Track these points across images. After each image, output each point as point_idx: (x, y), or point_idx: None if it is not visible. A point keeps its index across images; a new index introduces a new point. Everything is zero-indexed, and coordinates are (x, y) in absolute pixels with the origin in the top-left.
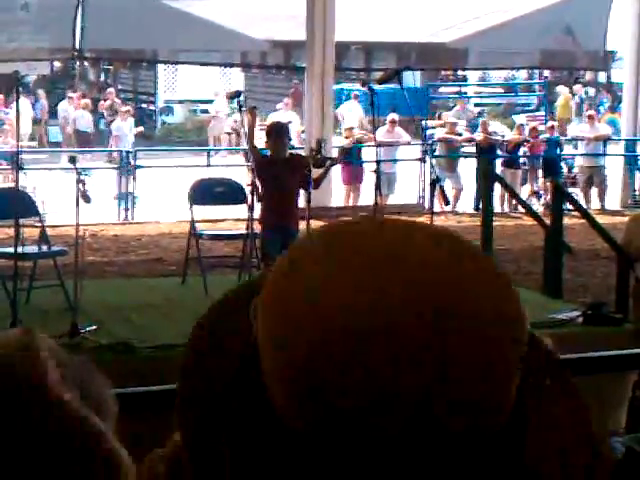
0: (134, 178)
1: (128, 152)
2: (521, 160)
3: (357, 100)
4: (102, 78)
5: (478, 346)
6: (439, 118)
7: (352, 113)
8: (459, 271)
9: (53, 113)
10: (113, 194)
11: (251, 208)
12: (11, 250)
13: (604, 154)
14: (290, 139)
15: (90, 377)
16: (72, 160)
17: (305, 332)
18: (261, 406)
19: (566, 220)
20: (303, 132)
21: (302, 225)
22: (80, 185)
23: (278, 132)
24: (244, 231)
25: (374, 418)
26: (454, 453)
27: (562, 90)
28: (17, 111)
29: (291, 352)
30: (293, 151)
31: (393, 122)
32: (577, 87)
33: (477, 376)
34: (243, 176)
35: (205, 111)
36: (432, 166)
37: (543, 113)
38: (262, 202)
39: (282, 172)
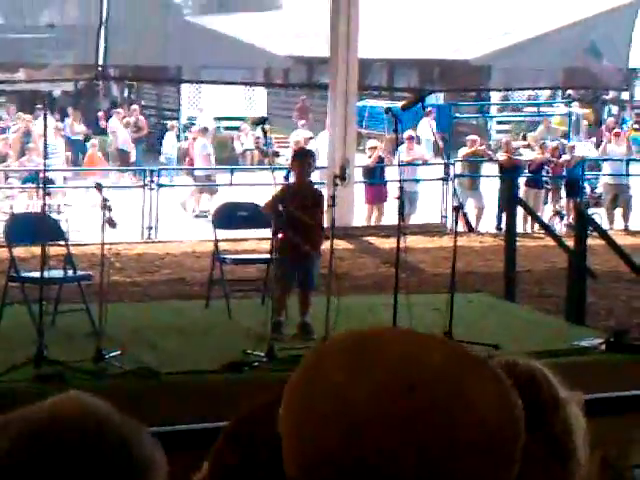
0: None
1: (152, 170)
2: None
3: (432, 117)
4: (126, 94)
5: (483, 454)
6: (524, 139)
7: (426, 130)
8: (467, 383)
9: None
10: (137, 213)
11: (275, 233)
12: (37, 275)
13: (627, 174)
14: (315, 166)
15: (140, 437)
16: (98, 187)
17: (326, 428)
18: None
19: (589, 241)
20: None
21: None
22: (106, 211)
23: (303, 157)
24: (267, 255)
25: None
26: None
27: (557, 110)
28: (45, 130)
29: (314, 443)
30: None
31: (411, 139)
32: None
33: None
34: (267, 194)
35: (229, 128)
36: (455, 191)
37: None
38: (280, 229)
39: (299, 205)
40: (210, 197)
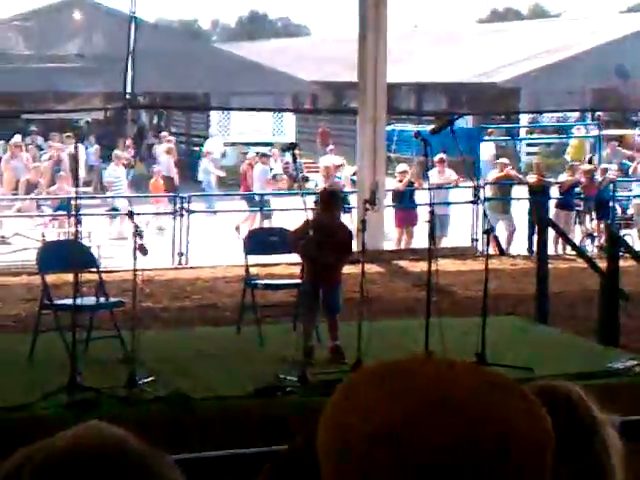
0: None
1: (182, 197)
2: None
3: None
4: (155, 121)
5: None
6: (590, 162)
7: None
8: (498, 401)
9: (107, 157)
10: (167, 239)
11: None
12: (70, 302)
13: None
14: (343, 209)
15: (162, 465)
16: (130, 215)
17: (366, 450)
18: None
19: (621, 262)
20: (354, 174)
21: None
22: (137, 238)
23: (330, 201)
24: (298, 279)
25: None
26: None
27: (576, 132)
28: (76, 158)
29: (354, 465)
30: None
31: (442, 161)
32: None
33: None
34: (297, 219)
35: (257, 154)
36: (485, 214)
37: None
38: (304, 260)
39: (324, 239)
40: (263, 221)
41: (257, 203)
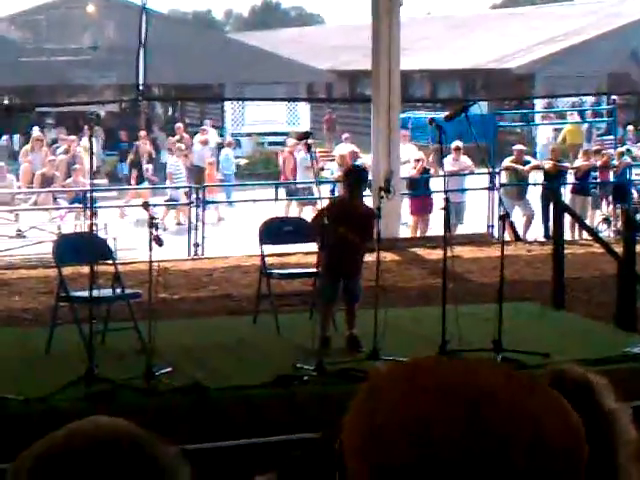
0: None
1: (197, 188)
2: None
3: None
4: (170, 112)
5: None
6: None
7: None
8: (525, 398)
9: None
10: (183, 230)
11: (321, 247)
12: (86, 294)
13: None
14: (367, 184)
15: (163, 453)
16: (145, 206)
17: (393, 445)
18: None
19: (638, 247)
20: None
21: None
22: (153, 229)
23: (357, 179)
24: (314, 268)
25: None
26: None
27: (569, 117)
28: (91, 151)
29: (383, 460)
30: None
31: (457, 149)
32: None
33: None
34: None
35: (273, 143)
36: (501, 200)
37: (612, 138)
38: (325, 247)
39: (346, 221)
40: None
41: (295, 191)
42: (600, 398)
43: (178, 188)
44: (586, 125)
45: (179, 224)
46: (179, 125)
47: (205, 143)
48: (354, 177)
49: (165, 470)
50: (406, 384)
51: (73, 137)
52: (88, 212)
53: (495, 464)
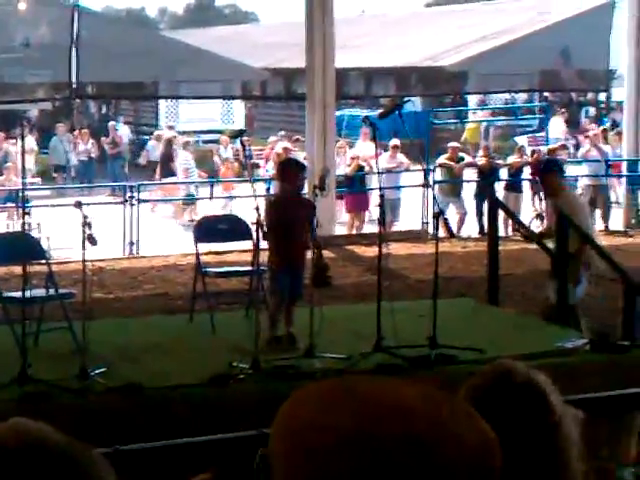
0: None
1: (131, 186)
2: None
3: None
4: (104, 110)
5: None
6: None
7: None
8: (443, 414)
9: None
10: (118, 228)
11: (257, 245)
12: (18, 295)
13: (607, 175)
14: (305, 177)
15: (84, 458)
16: (78, 205)
17: (314, 454)
18: None
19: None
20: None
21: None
22: (86, 228)
23: (297, 169)
24: (250, 267)
25: None
26: None
27: (471, 116)
28: (22, 149)
29: (291, 461)
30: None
31: (395, 147)
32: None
33: None
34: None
35: (208, 141)
36: (435, 198)
37: (544, 134)
38: (271, 243)
39: (293, 215)
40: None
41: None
42: (547, 397)
43: (125, 185)
44: (484, 124)
45: (191, 221)
46: (112, 123)
47: (158, 139)
48: (297, 167)
49: (85, 475)
50: (326, 400)
51: (2, 134)
52: (20, 211)
53: (410, 471)
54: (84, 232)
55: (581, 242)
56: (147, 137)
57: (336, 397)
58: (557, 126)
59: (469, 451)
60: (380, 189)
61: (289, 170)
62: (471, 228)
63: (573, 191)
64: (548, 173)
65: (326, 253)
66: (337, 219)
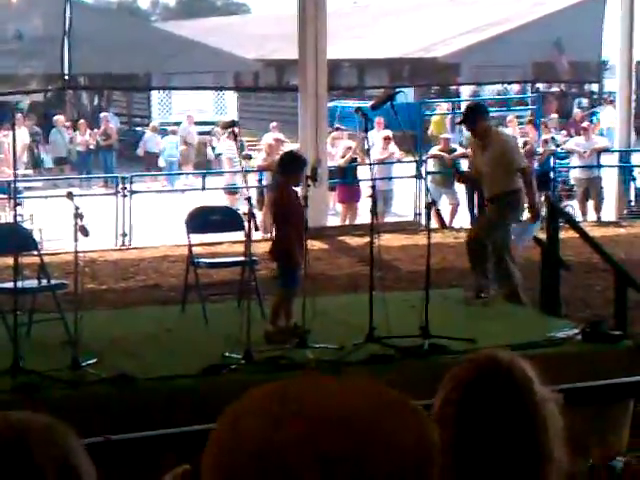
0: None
1: (124, 177)
2: None
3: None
4: (95, 102)
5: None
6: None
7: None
8: (385, 419)
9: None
10: (110, 220)
11: (248, 236)
12: (10, 285)
13: (599, 165)
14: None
15: (68, 447)
16: (69, 196)
17: (243, 470)
18: None
19: (562, 233)
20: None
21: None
22: (78, 219)
23: (302, 165)
24: (242, 257)
25: None
26: None
27: (437, 109)
28: (14, 141)
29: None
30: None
31: (387, 139)
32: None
33: None
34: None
35: (201, 133)
36: (427, 188)
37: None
38: (288, 237)
39: (300, 211)
40: None
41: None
42: (530, 384)
43: (117, 177)
44: (449, 116)
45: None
46: (105, 114)
47: (154, 130)
48: (303, 165)
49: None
50: (267, 411)
51: None
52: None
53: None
54: (76, 223)
55: (522, 174)
56: (140, 129)
57: (266, 411)
58: (608, 117)
59: (400, 457)
60: (372, 180)
61: (297, 166)
62: (463, 219)
63: (497, 128)
64: (477, 119)
65: (318, 244)
66: (329, 210)
